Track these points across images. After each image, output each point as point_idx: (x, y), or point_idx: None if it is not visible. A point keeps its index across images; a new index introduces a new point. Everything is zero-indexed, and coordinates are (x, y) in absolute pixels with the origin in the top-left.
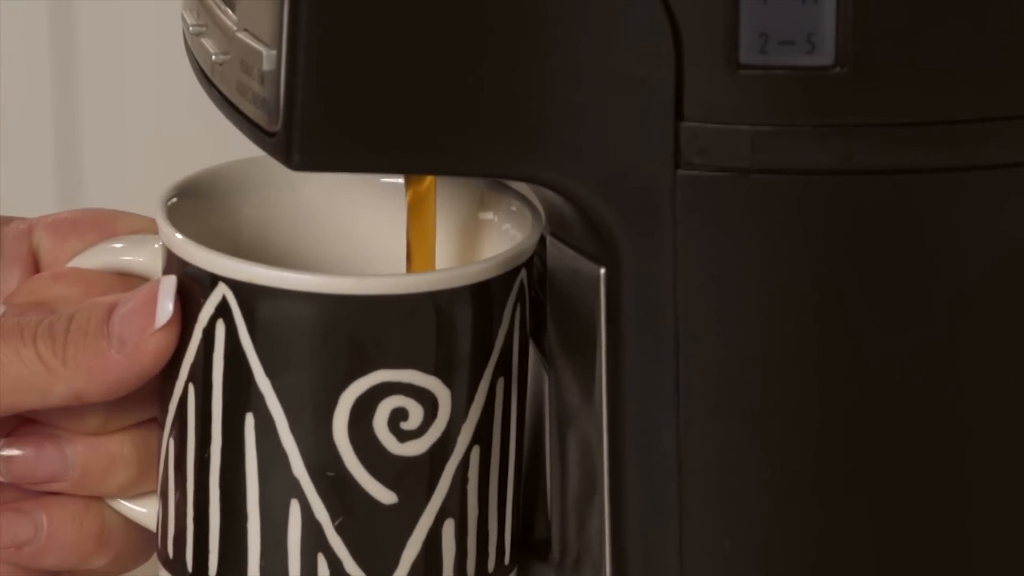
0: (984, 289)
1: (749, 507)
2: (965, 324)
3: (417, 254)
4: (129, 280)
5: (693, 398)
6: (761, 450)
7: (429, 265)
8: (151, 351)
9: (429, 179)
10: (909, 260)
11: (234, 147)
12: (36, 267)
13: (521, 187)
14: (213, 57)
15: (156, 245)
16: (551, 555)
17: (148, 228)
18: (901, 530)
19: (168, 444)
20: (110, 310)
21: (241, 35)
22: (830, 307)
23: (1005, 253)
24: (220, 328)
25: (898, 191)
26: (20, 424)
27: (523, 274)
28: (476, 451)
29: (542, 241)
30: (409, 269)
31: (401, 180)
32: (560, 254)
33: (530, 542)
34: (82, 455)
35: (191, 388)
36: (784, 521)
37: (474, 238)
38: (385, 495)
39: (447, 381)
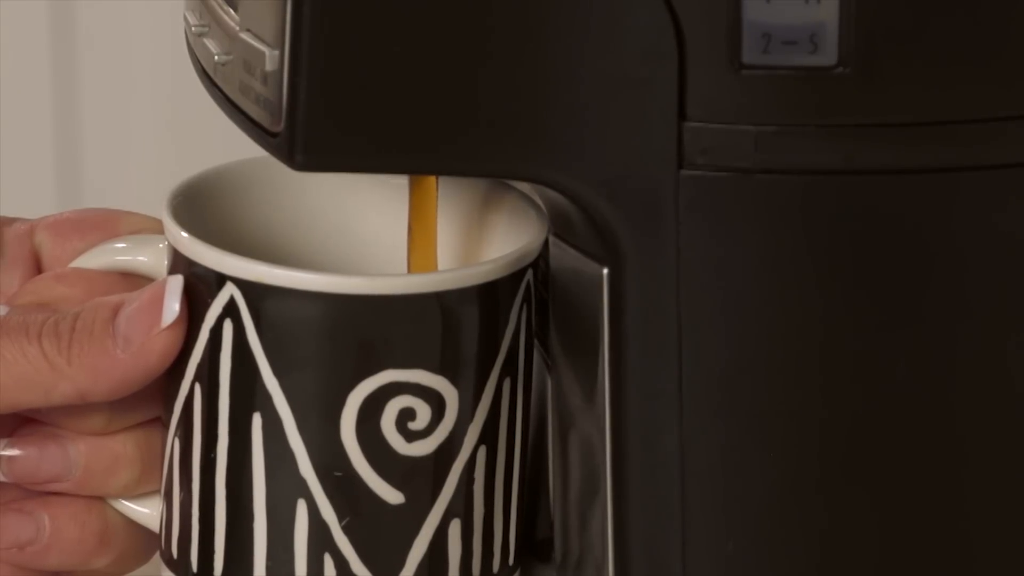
0: (986, 289)
1: (752, 507)
2: (967, 323)
3: (418, 254)
4: (132, 280)
5: (696, 398)
6: (764, 450)
7: (430, 266)
8: (157, 351)
9: (431, 179)
10: (911, 260)
11: (236, 148)
12: (38, 268)
13: (524, 187)
14: (216, 57)
15: (160, 245)
16: (554, 555)
17: (150, 228)
18: (905, 530)
19: (173, 444)
20: (116, 309)
21: (244, 35)
22: (833, 307)
23: (1007, 253)
24: (228, 328)
25: (901, 191)
26: (22, 424)
27: (529, 274)
28: (482, 451)
29: (545, 241)
30: (409, 269)
31: (405, 179)
32: (563, 254)
33: (533, 542)
34: (85, 455)
35: (197, 388)
36: (787, 522)
37: (478, 239)
38: (392, 495)
39: (454, 381)
